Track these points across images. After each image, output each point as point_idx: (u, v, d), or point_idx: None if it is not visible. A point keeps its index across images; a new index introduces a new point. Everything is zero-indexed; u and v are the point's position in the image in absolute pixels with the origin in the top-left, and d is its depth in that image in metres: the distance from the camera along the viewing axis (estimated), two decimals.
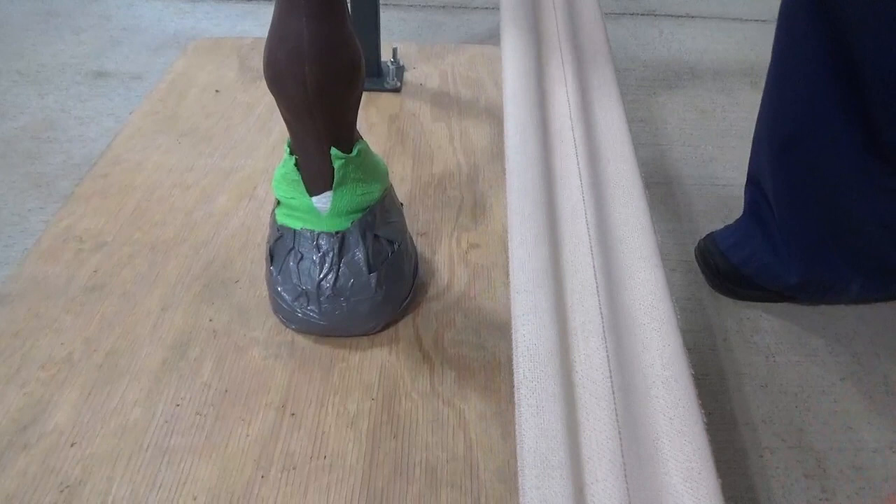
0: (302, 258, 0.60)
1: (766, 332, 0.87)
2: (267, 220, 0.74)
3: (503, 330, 0.65)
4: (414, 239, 0.70)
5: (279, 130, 0.91)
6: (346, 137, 0.59)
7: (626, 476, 0.32)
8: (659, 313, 0.38)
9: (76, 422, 0.55)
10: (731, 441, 0.74)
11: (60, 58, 1.32)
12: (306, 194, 0.60)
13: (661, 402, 0.34)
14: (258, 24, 1.49)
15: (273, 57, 0.55)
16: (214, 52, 1.11)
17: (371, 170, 0.61)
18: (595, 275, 0.41)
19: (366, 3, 0.99)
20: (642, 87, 1.36)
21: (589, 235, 0.43)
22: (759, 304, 0.90)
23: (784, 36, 0.77)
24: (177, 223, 0.75)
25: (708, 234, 0.93)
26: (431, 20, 1.58)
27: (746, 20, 1.63)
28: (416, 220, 0.77)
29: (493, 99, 1.03)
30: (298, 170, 0.59)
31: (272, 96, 0.58)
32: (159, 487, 0.51)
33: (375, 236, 0.61)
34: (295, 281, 0.61)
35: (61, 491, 0.50)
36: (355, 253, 0.60)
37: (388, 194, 0.64)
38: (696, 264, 0.94)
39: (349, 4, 0.59)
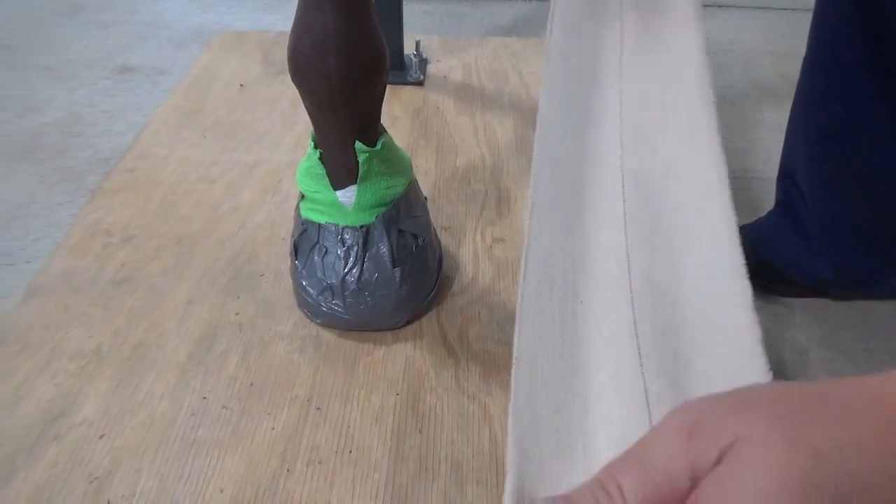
0: (326, 252, 0.60)
1: (797, 327, 0.85)
2: (291, 214, 0.74)
3: None
4: (438, 233, 0.70)
5: (303, 124, 0.91)
6: (371, 131, 0.59)
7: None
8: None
9: (105, 414, 0.55)
10: None
11: (87, 53, 1.33)
12: (330, 188, 0.59)
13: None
14: (282, 17, 1.49)
15: (297, 50, 0.55)
16: (238, 46, 1.11)
17: (395, 163, 0.61)
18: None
19: None
20: None
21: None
22: (790, 299, 0.88)
23: (821, 25, 0.75)
24: (202, 217, 0.75)
25: (738, 228, 0.92)
26: (454, 12, 1.56)
27: (778, 9, 1.59)
28: (440, 214, 0.77)
29: (517, 92, 1.02)
30: (323, 164, 0.59)
31: (296, 90, 0.57)
32: (186, 479, 0.51)
33: (400, 230, 0.61)
34: (319, 275, 0.60)
35: (90, 482, 0.51)
36: (380, 247, 0.60)
37: (412, 188, 0.63)
38: None
39: None
